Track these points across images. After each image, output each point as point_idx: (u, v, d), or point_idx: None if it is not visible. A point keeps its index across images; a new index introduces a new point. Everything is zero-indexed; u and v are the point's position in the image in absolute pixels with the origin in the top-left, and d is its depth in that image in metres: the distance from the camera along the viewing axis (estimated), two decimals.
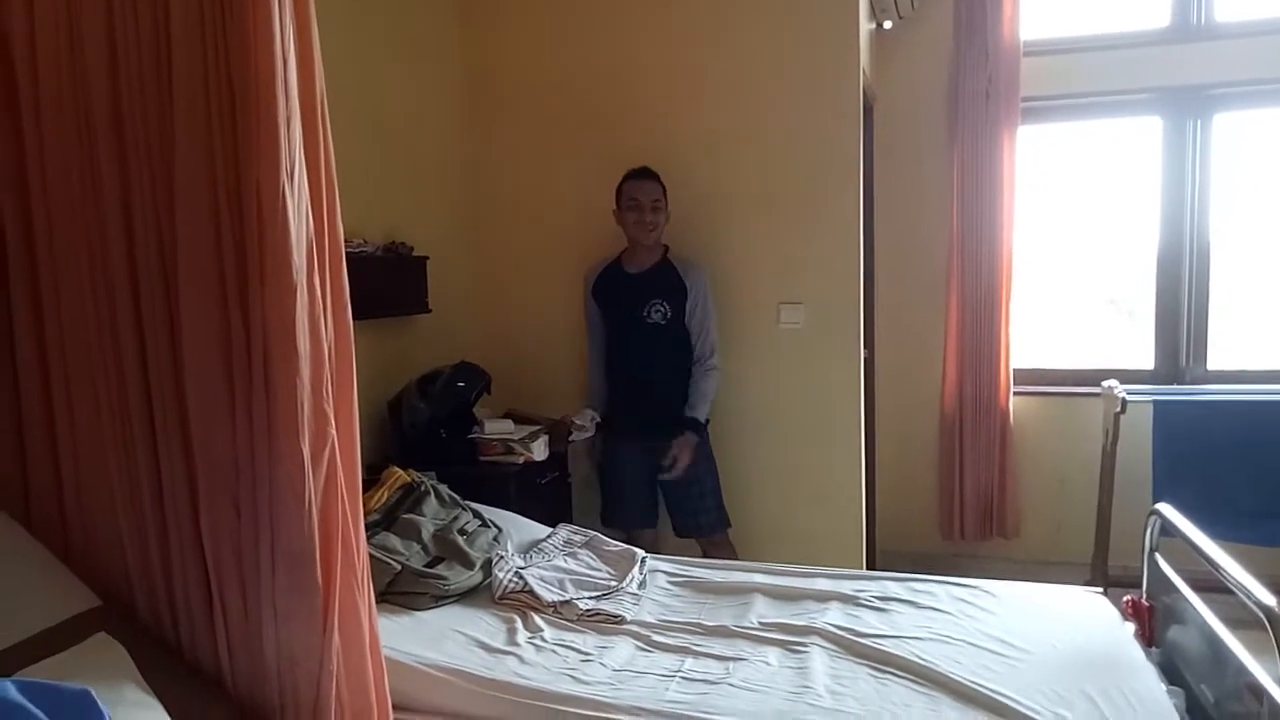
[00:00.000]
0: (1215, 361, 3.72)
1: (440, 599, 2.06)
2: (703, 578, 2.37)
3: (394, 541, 2.11)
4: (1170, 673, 2.04)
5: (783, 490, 3.17)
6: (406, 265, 2.98)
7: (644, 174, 3.03)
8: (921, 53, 3.82)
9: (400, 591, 2.03)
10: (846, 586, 2.29)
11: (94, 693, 1.15)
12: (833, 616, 2.13)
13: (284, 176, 1.43)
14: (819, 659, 1.94)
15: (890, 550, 3.79)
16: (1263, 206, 3.70)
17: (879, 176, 3.80)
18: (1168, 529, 2.16)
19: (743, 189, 3.21)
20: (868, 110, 3.61)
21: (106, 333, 1.54)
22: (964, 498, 3.74)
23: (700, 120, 3.25)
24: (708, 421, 3.03)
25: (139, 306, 1.52)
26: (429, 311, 3.07)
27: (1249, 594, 1.68)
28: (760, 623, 2.11)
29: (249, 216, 1.43)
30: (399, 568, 2.03)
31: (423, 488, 2.36)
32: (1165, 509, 2.20)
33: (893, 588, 2.29)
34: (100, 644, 1.38)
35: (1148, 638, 2.14)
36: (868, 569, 3.29)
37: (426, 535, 2.19)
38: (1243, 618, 1.71)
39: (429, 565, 2.10)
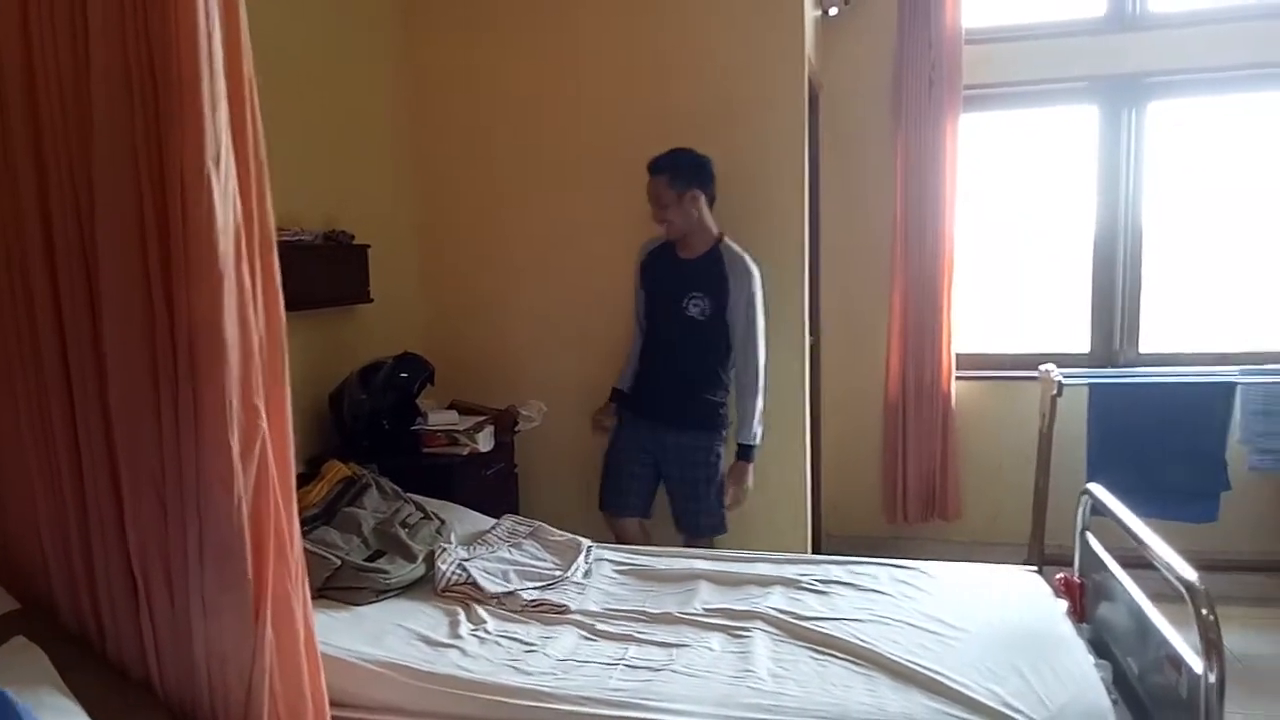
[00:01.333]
0: (1149, 344, 3.82)
1: (381, 593, 2.04)
2: (648, 565, 2.38)
3: (333, 536, 2.08)
4: (1100, 647, 2.10)
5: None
6: (347, 254, 2.93)
7: (650, 167, 2.83)
8: (866, 40, 3.84)
9: (340, 586, 2.00)
10: (790, 571, 2.32)
11: (9, 694, 1.12)
12: (775, 601, 2.15)
13: (209, 162, 1.39)
14: (761, 643, 1.96)
15: (835, 533, 3.84)
16: (1193, 193, 3.80)
17: (825, 163, 3.83)
18: (1098, 508, 2.22)
19: None
20: (814, 97, 3.63)
21: (24, 323, 1.49)
22: (907, 481, 3.80)
23: (647, 107, 3.24)
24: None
25: (58, 297, 1.47)
26: (371, 301, 3.02)
27: (1171, 570, 1.74)
28: (704, 608, 2.13)
29: (173, 204, 1.39)
30: (338, 562, 2.00)
31: (363, 480, 2.33)
32: (1096, 489, 2.27)
33: (835, 571, 2.33)
34: (17, 648, 1.34)
35: (1079, 614, 2.20)
36: (812, 552, 3.33)
37: (367, 528, 2.16)
38: (1167, 592, 1.76)
39: (369, 559, 2.08)
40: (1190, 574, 1.71)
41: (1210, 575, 3.59)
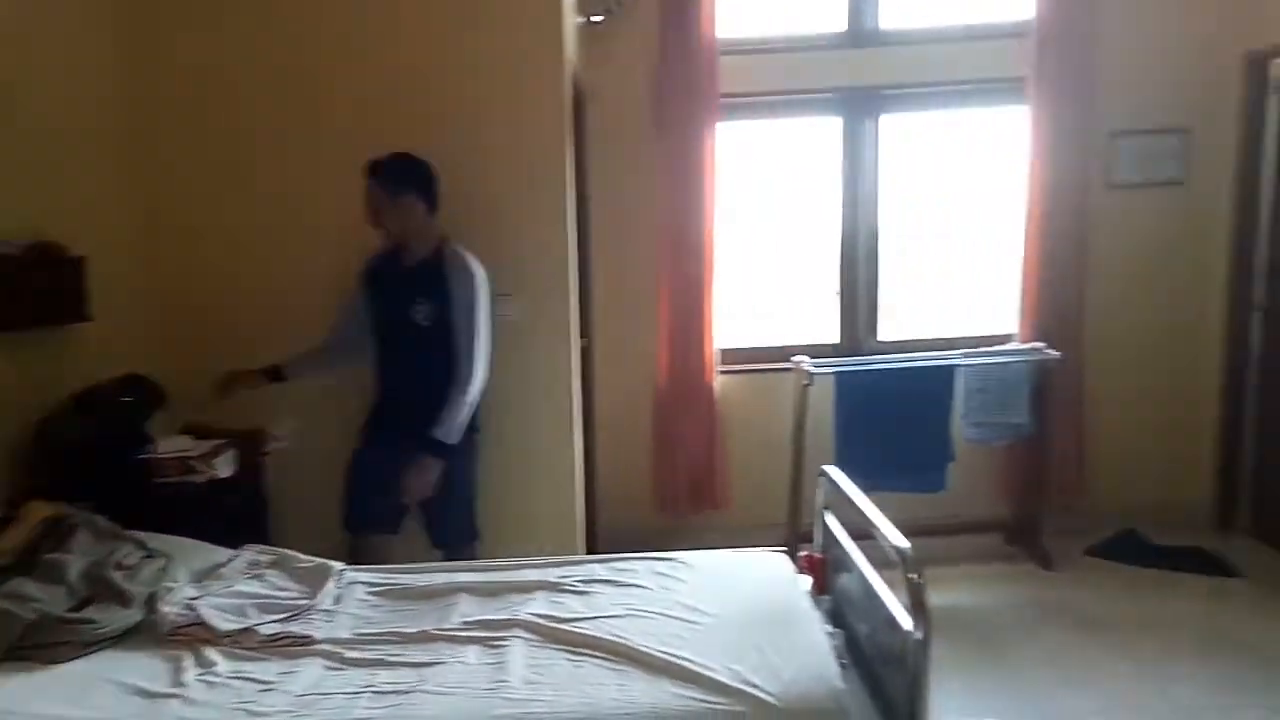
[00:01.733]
0: (888, 334, 4.18)
1: (89, 645, 1.82)
2: (405, 584, 2.29)
3: (29, 587, 1.84)
4: (838, 616, 2.27)
5: (502, 482, 3.15)
6: (59, 268, 2.62)
7: (366, 171, 2.79)
8: (630, 48, 3.91)
9: (37, 644, 1.77)
10: (552, 574, 2.32)
11: None
12: (536, 606, 2.14)
13: None
14: (518, 651, 1.94)
15: (612, 529, 3.89)
16: (923, 197, 4.21)
17: (595, 167, 3.87)
18: (836, 487, 2.39)
19: (451, 180, 3.13)
20: (580, 102, 3.67)
21: None
22: (678, 474, 3.93)
23: (403, 109, 3.13)
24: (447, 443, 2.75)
25: None
26: (90, 319, 2.71)
27: (887, 539, 1.90)
28: (463, 622, 2.07)
29: None
30: (33, 616, 1.77)
31: (71, 521, 2.08)
32: (832, 470, 2.44)
33: (597, 570, 2.35)
34: None
35: (820, 587, 2.36)
36: (590, 551, 3.37)
37: (74, 575, 1.92)
38: (890, 559, 1.91)
39: (75, 609, 1.85)
40: (902, 542, 1.87)
41: (942, 539, 3.98)
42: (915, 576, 1.79)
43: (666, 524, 3.94)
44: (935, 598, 3.50)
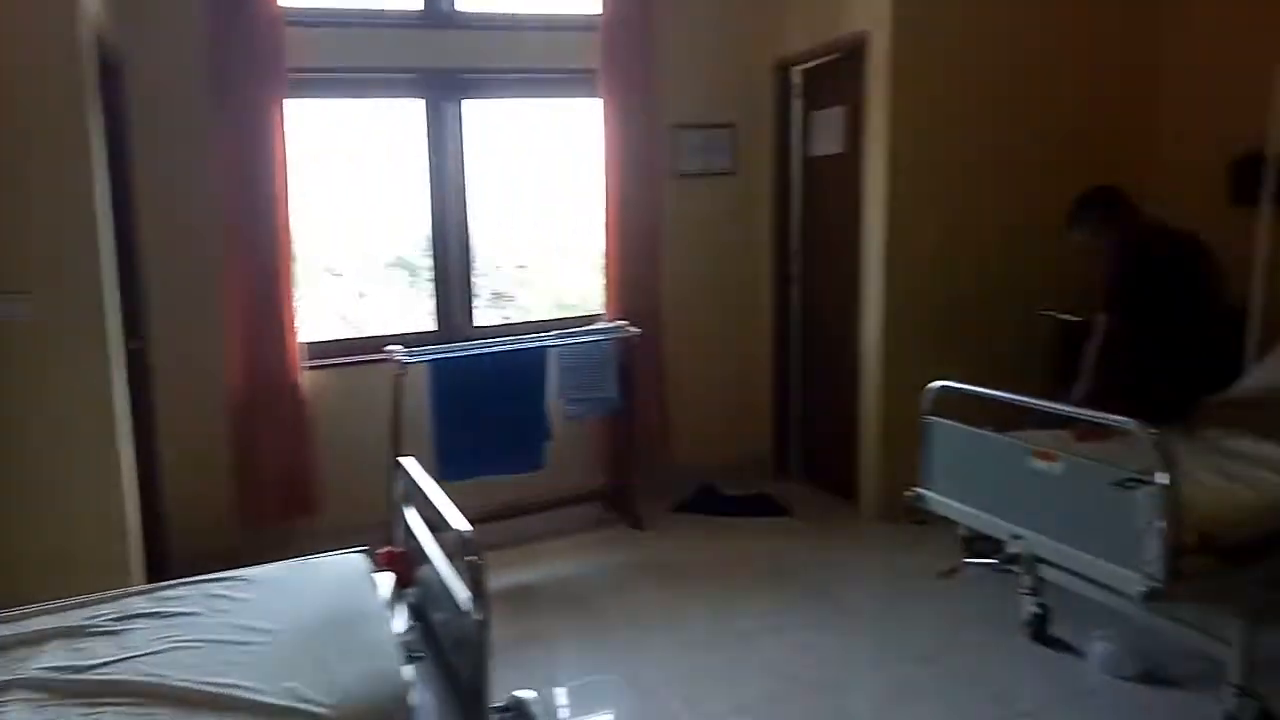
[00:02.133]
0: (484, 319, 4.21)
1: None
2: None
3: None
4: (422, 609, 2.22)
5: (24, 518, 2.64)
6: None
7: None
8: (176, 7, 3.47)
9: None
10: (75, 617, 1.97)
11: None
12: (48, 659, 1.80)
13: None
14: (17, 716, 1.62)
15: (184, 555, 3.44)
16: (511, 183, 4.28)
17: (141, 147, 3.40)
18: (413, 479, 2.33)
19: None
20: (116, 71, 3.18)
21: None
22: (263, 482, 3.60)
23: None
24: None
25: None
26: None
27: (449, 527, 1.89)
28: None
29: None
30: None
31: None
32: (406, 461, 2.39)
33: (137, 603, 2.05)
34: None
35: (405, 581, 2.29)
36: (156, 580, 2.96)
37: None
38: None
39: None
40: (464, 526, 1.87)
41: (549, 514, 4.10)
42: (475, 559, 1.79)
43: (252, 540, 3.56)
44: (538, 572, 3.65)
